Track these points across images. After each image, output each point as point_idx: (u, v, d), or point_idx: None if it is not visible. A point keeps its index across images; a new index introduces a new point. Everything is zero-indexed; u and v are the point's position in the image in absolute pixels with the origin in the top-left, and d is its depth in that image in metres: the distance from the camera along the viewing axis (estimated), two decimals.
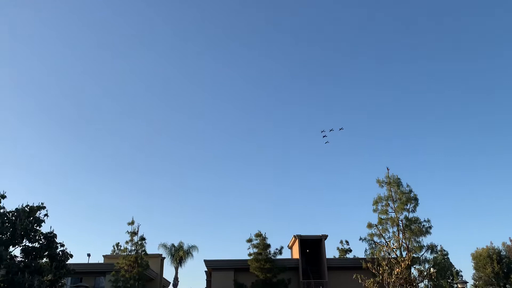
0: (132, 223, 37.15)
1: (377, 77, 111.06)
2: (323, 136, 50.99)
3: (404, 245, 35.28)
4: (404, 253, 34.60)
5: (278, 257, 38.67)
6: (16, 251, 27.25)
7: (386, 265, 25.15)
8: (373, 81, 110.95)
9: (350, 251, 60.11)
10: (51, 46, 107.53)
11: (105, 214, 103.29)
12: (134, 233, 37.03)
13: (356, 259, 41.54)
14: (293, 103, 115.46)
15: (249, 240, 38.94)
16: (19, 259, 26.87)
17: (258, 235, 38.89)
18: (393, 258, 31.06)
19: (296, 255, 43.12)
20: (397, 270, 24.59)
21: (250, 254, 38.58)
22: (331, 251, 66.70)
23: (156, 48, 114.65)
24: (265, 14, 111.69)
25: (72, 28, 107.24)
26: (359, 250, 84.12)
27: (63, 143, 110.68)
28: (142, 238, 37.12)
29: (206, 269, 43.86)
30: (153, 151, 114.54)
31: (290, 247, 47.58)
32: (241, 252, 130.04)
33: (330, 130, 50.86)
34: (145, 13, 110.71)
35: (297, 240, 42.25)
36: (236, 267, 40.26)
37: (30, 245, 27.56)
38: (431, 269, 30.71)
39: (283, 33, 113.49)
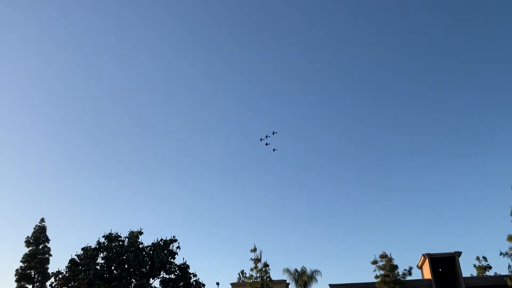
0: (254, 250, 38.13)
1: None
2: (266, 144, 49.51)
3: None
4: None
5: (408, 278, 36.64)
6: (156, 282, 29.74)
7: None
8: None
9: (490, 268, 54.68)
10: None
11: (228, 242, 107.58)
12: (257, 260, 37.95)
13: (499, 277, 38.01)
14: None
15: (374, 262, 37.51)
16: None
17: (383, 256, 37.24)
18: None
19: (427, 275, 40.34)
20: None
21: (376, 276, 37.06)
22: (467, 269, 60.96)
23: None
24: None
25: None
26: (500, 267, 75.56)
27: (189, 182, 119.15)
28: (266, 265, 37.84)
29: None
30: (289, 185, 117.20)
31: (420, 267, 44.63)
32: (363, 272, 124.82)
33: (267, 137, 49.44)
34: (168, 17, 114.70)
35: (427, 259, 39.61)
36: None
37: (167, 276, 29.89)
38: None
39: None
